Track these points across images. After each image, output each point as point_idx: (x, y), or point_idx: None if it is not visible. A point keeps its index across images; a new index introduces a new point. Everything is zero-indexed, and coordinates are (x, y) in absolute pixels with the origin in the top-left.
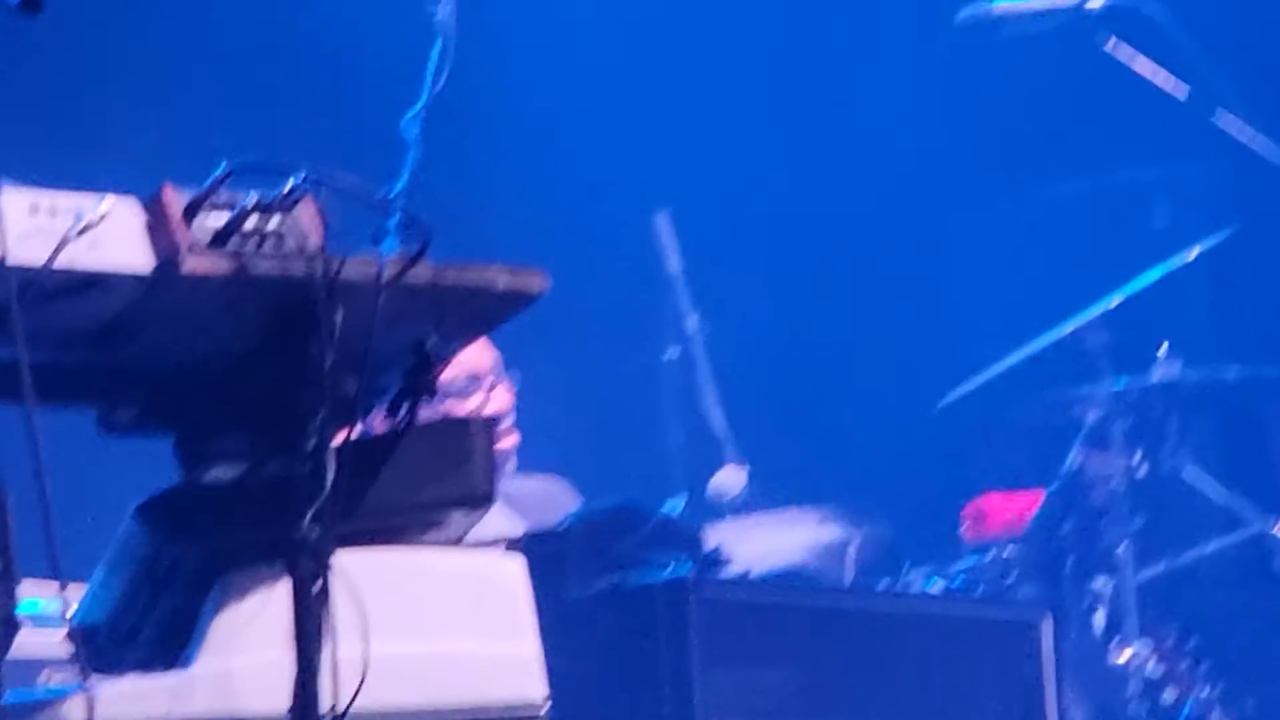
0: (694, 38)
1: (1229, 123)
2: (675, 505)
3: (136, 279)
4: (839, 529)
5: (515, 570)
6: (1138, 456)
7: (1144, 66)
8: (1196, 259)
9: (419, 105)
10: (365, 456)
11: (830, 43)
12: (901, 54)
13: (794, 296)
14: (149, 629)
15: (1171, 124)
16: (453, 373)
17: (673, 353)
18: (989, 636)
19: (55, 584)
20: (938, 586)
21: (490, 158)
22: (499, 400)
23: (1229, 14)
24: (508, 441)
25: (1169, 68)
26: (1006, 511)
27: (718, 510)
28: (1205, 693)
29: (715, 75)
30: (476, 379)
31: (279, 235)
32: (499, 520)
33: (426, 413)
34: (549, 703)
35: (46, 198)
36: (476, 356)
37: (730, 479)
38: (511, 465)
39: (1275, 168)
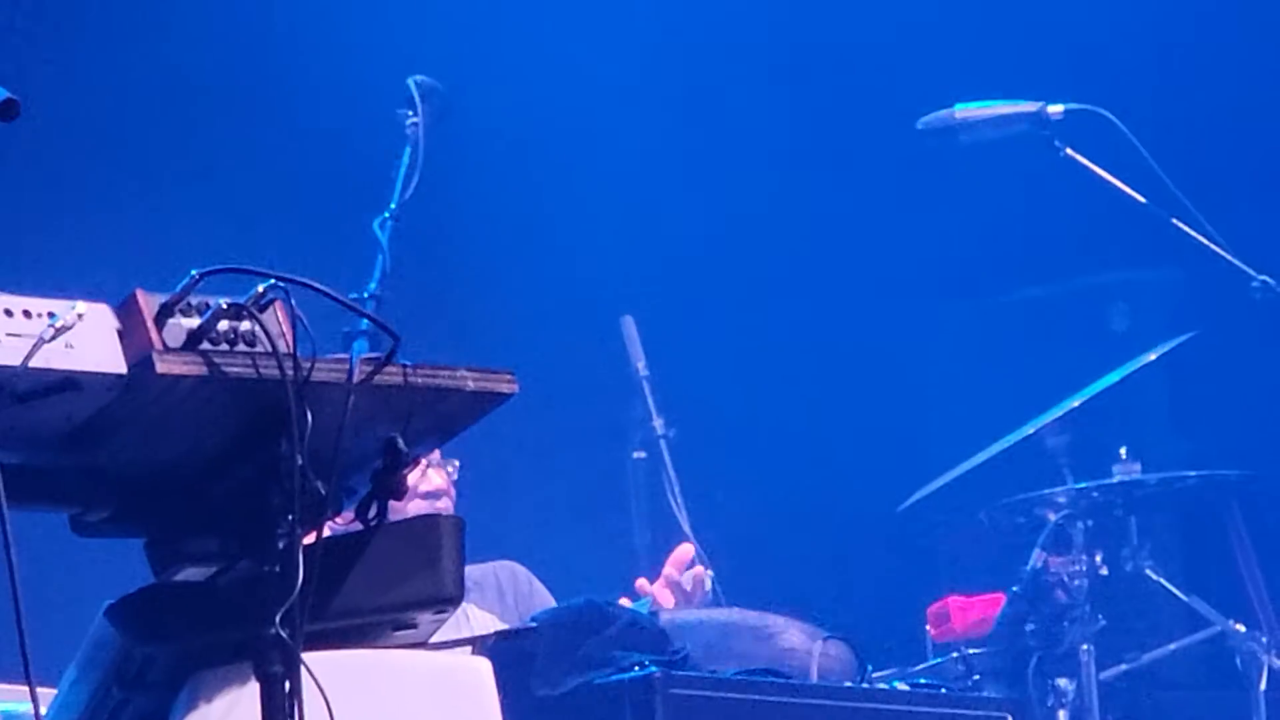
0: (660, 141)
1: (1187, 229)
2: (643, 605)
3: (110, 380)
4: (803, 631)
5: (482, 670)
6: (1099, 557)
7: (1103, 173)
8: (1155, 362)
9: (389, 209)
10: (335, 556)
11: (793, 148)
12: (865, 159)
13: (758, 399)
14: None
15: (1131, 229)
16: None
17: (640, 454)
18: None
19: (25, 687)
20: (903, 687)
21: (459, 260)
22: (433, 480)
23: (1186, 121)
24: None
25: (1128, 174)
26: (970, 613)
27: (684, 612)
28: None
29: (680, 179)
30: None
31: (251, 338)
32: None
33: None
34: None
35: (19, 302)
36: None
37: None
38: None
39: (1232, 273)
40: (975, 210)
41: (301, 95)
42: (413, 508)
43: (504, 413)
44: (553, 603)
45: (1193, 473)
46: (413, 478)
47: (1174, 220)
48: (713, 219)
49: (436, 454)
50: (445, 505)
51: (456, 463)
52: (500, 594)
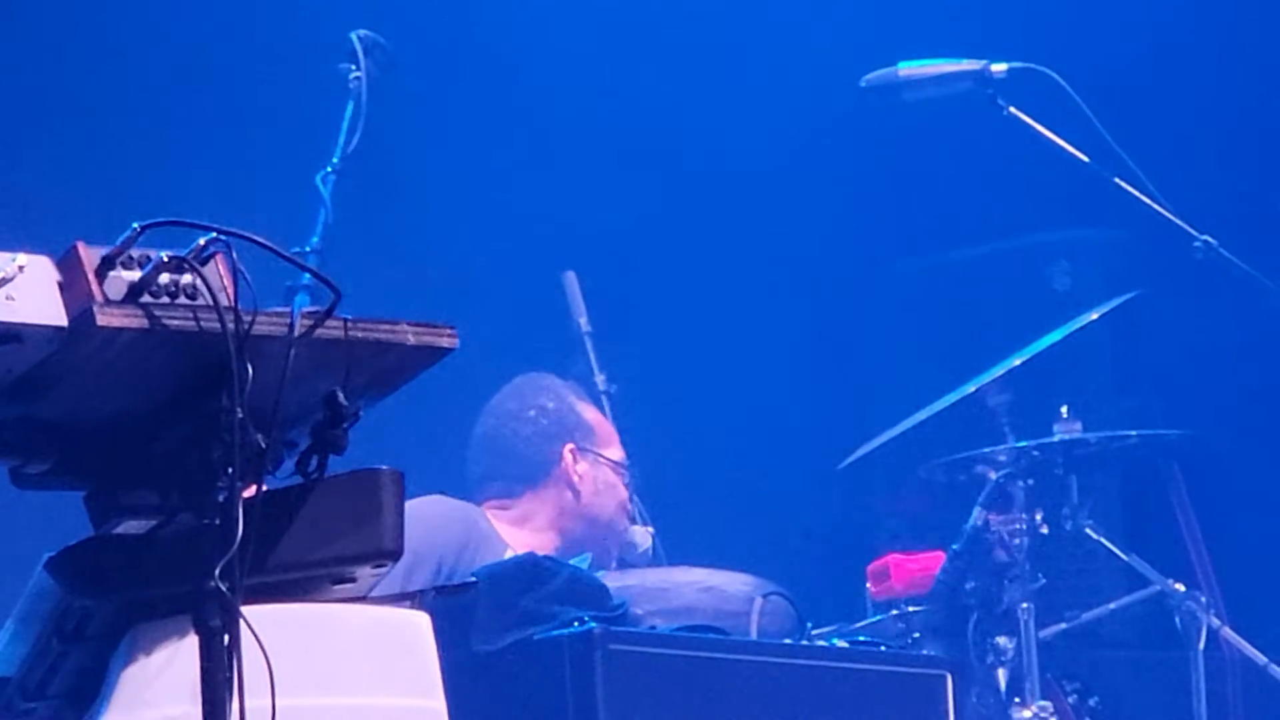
0: (602, 96)
1: (1129, 188)
2: (583, 560)
3: (51, 333)
4: (743, 588)
5: (421, 625)
6: (1039, 516)
7: (1046, 132)
8: (1097, 321)
9: (331, 164)
10: (275, 510)
11: (736, 105)
12: (809, 117)
13: (701, 356)
14: (58, 682)
15: (1074, 189)
16: (621, 454)
17: None
18: (893, 692)
19: None
20: (842, 644)
21: (401, 215)
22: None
23: (1129, 81)
24: None
25: (1071, 133)
26: (910, 570)
27: (624, 567)
28: None
29: (623, 135)
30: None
31: (192, 291)
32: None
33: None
34: None
35: None
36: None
37: (636, 537)
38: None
39: (1174, 233)
40: (918, 168)
41: (244, 49)
42: (626, 507)
43: (445, 367)
44: None
45: (1133, 432)
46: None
47: (1116, 180)
48: (655, 176)
49: None
50: None
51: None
52: (423, 528)
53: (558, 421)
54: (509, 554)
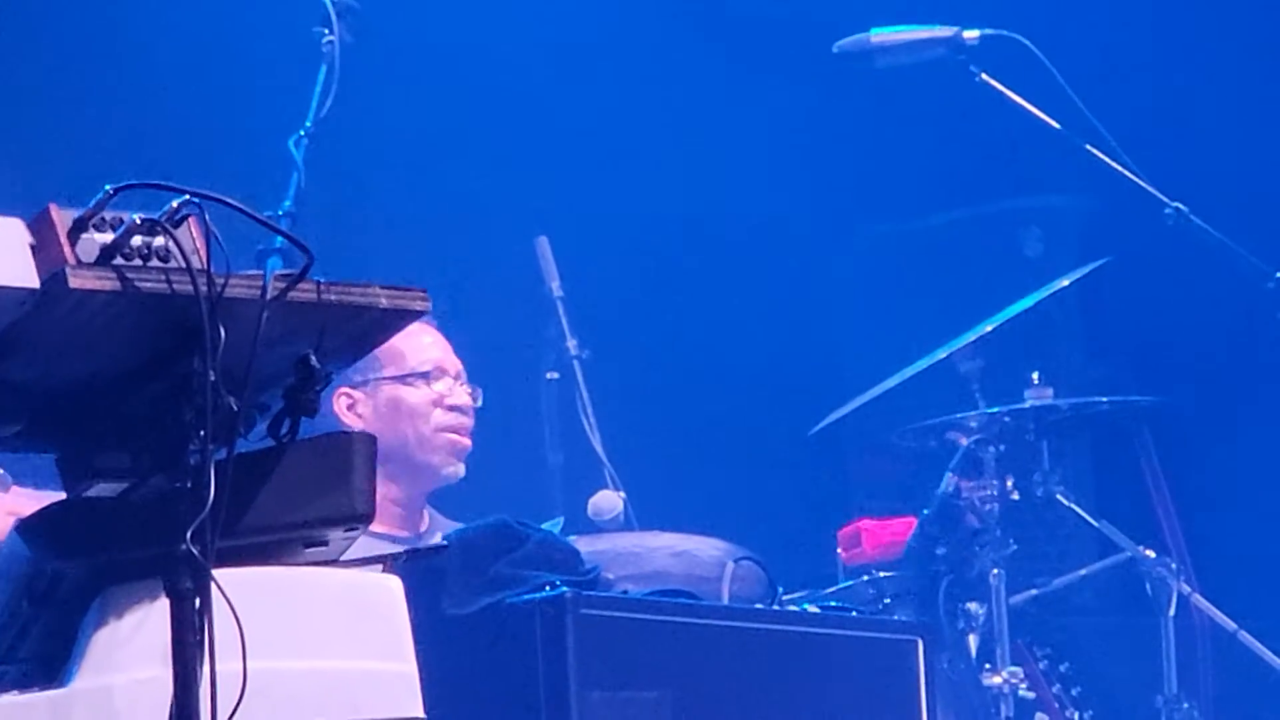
0: (575, 63)
1: (1101, 155)
2: (554, 525)
3: (23, 295)
4: (715, 552)
5: (393, 588)
6: (1010, 482)
7: (1018, 99)
8: (1068, 288)
9: (304, 127)
10: (246, 473)
11: (709, 70)
12: (781, 82)
13: (672, 321)
14: (28, 645)
15: (1045, 156)
16: (420, 357)
17: (554, 374)
18: (864, 658)
19: None
20: (813, 609)
21: (375, 179)
22: (462, 395)
23: (1101, 48)
24: (464, 440)
25: (1042, 100)
26: (881, 536)
27: (596, 532)
28: (1076, 717)
29: (594, 99)
30: (443, 369)
31: (164, 253)
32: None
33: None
34: None
35: None
36: (443, 351)
37: (608, 502)
38: (460, 469)
39: (1145, 200)
40: (890, 135)
41: (217, 13)
42: (438, 417)
43: None
44: None
45: (1104, 399)
46: (441, 387)
47: (1088, 147)
48: (628, 141)
49: (464, 373)
50: (469, 423)
51: (480, 390)
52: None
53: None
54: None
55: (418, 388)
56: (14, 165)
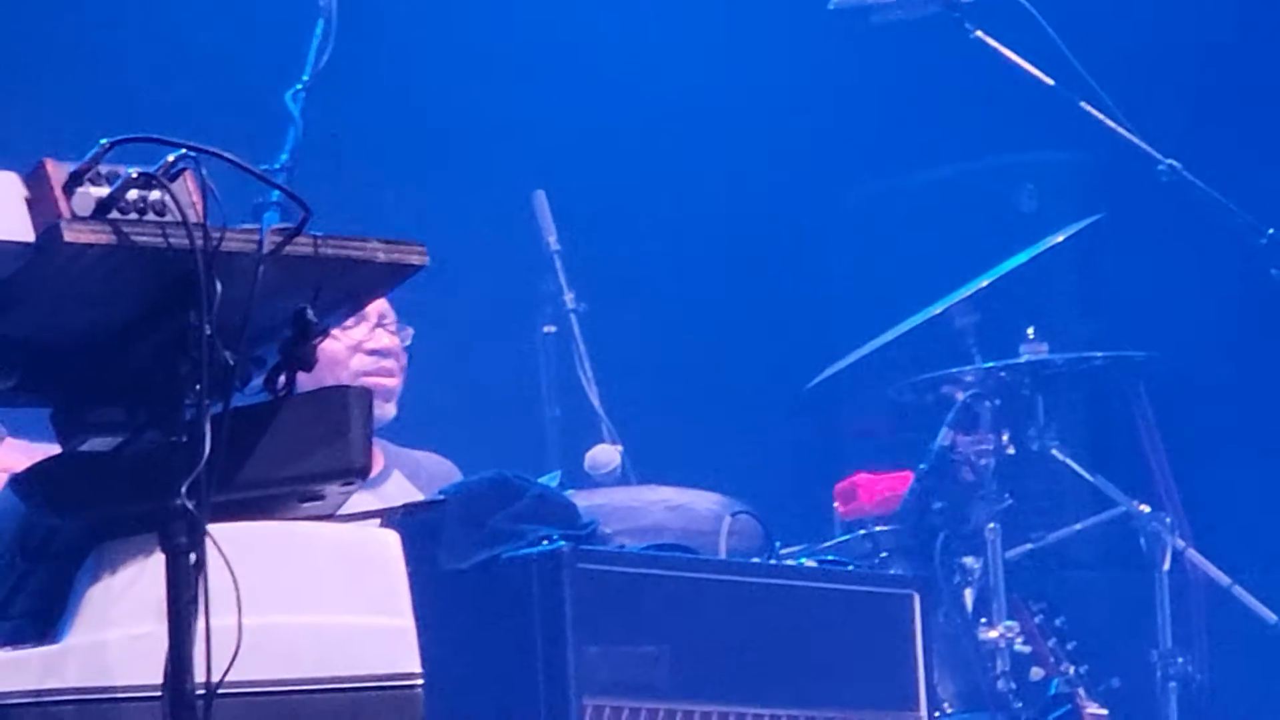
0: (572, 18)
1: (1095, 112)
2: (552, 479)
3: (18, 249)
4: (711, 506)
5: (390, 543)
6: (1006, 436)
7: (1012, 55)
8: (1063, 244)
9: (301, 81)
10: (242, 427)
11: (706, 27)
12: (775, 38)
13: (670, 275)
14: (22, 601)
15: (1039, 111)
16: None
17: (551, 328)
18: (861, 611)
19: None
20: (809, 563)
21: (372, 133)
22: (382, 339)
23: (1095, 4)
24: (387, 380)
25: (1036, 56)
26: (878, 490)
27: (593, 486)
28: (1071, 671)
29: (592, 54)
30: (362, 314)
31: (160, 207)
32: (400, 496)
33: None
34: (422, 676)
35: None
36: None
37: (605, 456)
38: (391, 408)
39: (1139, 156)
40: (886, 91)
41: None
42: (355, 363)
43: (413, 285)
44: None
45: (1099, 353)
46: (359, 333)
47: (1082, 103)
48: (625, 95)
49: (390, 315)
50: (392, 365)
51: (410, 330)
52: (428, 486)
53: None
54: None
55: (335, 337)
56: (9, 119)
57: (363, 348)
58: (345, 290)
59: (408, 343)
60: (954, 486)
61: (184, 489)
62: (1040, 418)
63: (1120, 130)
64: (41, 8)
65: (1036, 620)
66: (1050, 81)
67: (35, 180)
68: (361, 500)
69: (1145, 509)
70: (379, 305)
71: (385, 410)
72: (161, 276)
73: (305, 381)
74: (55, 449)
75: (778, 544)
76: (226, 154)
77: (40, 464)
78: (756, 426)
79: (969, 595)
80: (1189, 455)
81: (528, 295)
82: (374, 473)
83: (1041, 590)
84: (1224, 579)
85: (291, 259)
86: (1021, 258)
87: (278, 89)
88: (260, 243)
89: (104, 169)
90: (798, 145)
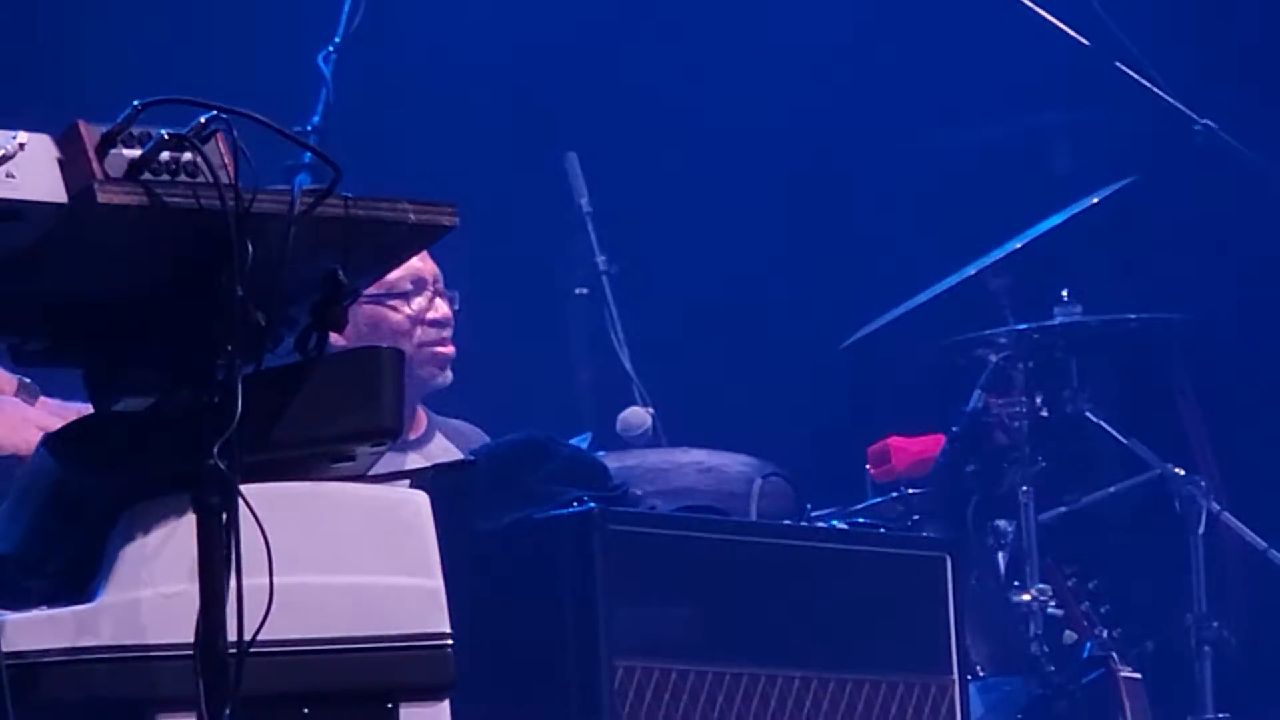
0: None
1: (1130, 72)
2: (583, 440)
3: (51, 210)
4: (744, 469)
5: (420, 503)
6: (1039, 399)
7: (1048, 15)
8: (1098, 205)
9: (333, 42)
10: (274, 388)
11: None
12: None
13: (701, 236)
14: (56, 560)
15: (1076, 72)
16: (398, 275)
17: (583, 290)
18: (893, 574)
19: None
20: (841, 526)
21: (403, 94)
22: (441, 308)
23: None
24: (446, 349)
25: (1072, 17)
26: (910, 453)
27: (624, 448)
28: (1104, 635)
29: (625, 14)
30: (422, 283)
31: (192, 169)
32: (444, 456)
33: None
34: (452, 636)
35: None
36: (421, 263)
37: (636, 418)
38: (447, 376)
39: (1174, 117)
40: (921, 51)
41: None
42: (419, 334)
43: (444, 247)
44: None
45: (1134, 315)
46: (419, 303)
47: (1117, 63)
48: (657, 57)
49: (441, 279)
50: (449, 334)
51: (457, 294)
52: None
53: None
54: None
55: (398, 308)
56: (42, 82)
57: (424, 318)
58: (376, 251)
59: (456, 306)
60: (987, 449)
61: (216, 449)
62: (1074, 380)
63: (1156, 90)
64: None
65: (1070, 583)
66: (1085, 41)
67: (68, 142)
68: (409, 460)
69: (1180, 472)
70: (432, 270)
71: (445, 377)
72: (193, 237)
73: None
74: (88, 409)
75: (809, 506)
76: (258, 115)
77: (73, 424)
78: (788, 389)
79: (1002, 558)
80: (1224, 418)
81: (559, 257)
82: (418, 433)
83: (1075, 553)
84: (1260, 542)
85: (322, 220)
86: (1056, 219)
87: (310, 51)
88: (292, 204)
89: (136, 131)
90: (831, 106)
